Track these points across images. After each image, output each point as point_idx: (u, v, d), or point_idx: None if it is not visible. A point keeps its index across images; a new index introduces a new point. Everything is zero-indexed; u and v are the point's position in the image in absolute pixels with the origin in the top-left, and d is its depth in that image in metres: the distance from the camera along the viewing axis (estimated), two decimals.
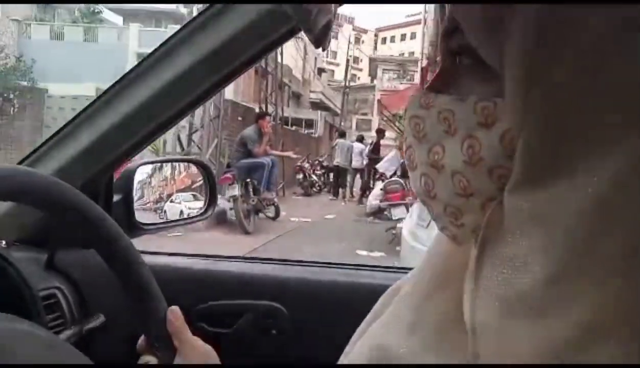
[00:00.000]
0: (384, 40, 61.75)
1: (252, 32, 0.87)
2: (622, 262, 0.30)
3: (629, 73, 0.30)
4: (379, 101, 16.07)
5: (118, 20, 26.63)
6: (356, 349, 0.50)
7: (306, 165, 14.22)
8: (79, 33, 22.33)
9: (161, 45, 0.95)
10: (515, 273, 0.33)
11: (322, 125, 21.71)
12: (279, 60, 14.02)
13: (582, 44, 0.31)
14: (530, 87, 0.33)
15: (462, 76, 0.42)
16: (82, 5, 24.77)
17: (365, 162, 13.60)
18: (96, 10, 24.70)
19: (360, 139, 15.06)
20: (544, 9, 0.32)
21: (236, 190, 7.63)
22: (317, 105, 28.70)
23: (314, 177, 14.70)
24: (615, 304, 0.30)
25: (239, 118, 11.15)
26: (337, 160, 14.28)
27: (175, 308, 0.73)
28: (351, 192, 14.34)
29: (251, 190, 8.08)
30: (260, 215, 8.58)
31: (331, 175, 15.20)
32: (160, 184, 1.33)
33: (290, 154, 12.03)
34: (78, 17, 24.32)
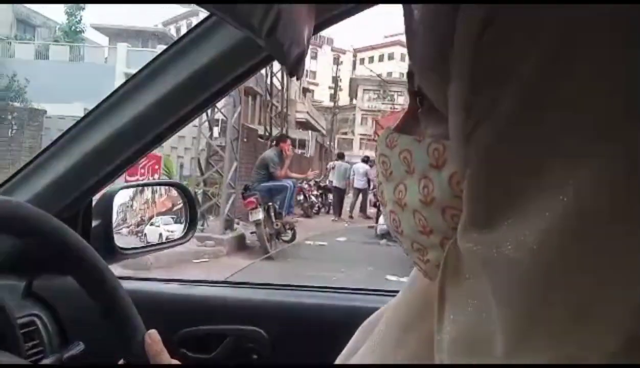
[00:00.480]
0: (362, 60, 62.24)
1: (229, 57, 0.88)
2: (577, 312, 0.28)
3: (575, 100, 0.29)
4: (376, 121, 16.14)
5: (103, 40, 26.46)
6: None
7: (305, 186, 13.97)
8: (64, 52, 22.06)
9: (140, 70, 0.95)
10: (474, 316, 0.33)
11: (314, 145, 21.68)
12: (282, 80, 13.74)
13: (522, 82, 0.30)
14: (470, 130, 0.33)
15: (422, 117, 0.43)
16: (64, 24, 24.56)
17: (371, 183, 13.57)
18: (78, 30, 24.46)
19: (366, 160, 14.96)
20: (478, 47, 0.32)
21: (260, 214, 7.47)
22: (304, 125, 28.57)
23: (313, 198, 14.47)
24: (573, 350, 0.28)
25: (244, 139, 11.00)
26: (334, 182, 14.22)
27: (153, 332, 0.73)
28: (351, 213, 14.30)
29: (273, 214, 7.94)
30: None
31: (329, 195, 15.03)
32: (141, 207, 1.33)
33: (308, 175, 11.84)
34: (60, 36, 24.08)
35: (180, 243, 1.21)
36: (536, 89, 0.30)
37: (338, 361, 0.55)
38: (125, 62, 20.81)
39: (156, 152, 11.34)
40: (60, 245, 0.74)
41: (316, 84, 54.82)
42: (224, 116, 9.00)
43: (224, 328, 1.06)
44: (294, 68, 0.55)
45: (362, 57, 62.86)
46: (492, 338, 0.31)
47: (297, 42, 0.53)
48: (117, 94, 0.96)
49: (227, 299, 1.14)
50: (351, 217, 14.10)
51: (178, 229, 1.26)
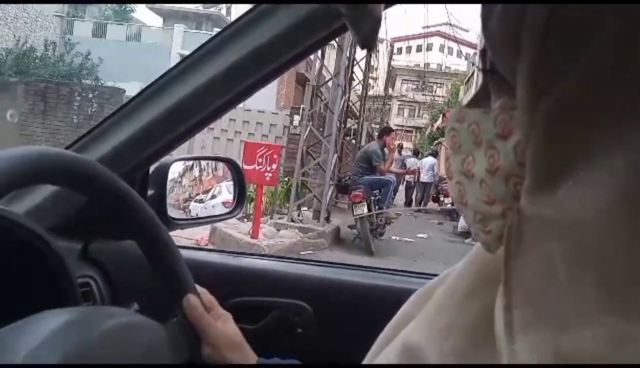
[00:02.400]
0: (399, 50, 61.37)
1: (298, 29, 0.87)
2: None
3: (629, 88, 0.31)
4: (443, 114, 16.05)
5: (156, 20, 26.56)
6: (387, 350, 0.49)
7: None
8: (121, 31, 22.24)
9: (206, 42, 0.95)
10: (542, 282, 0.34)
11: (365, 135, 21.57)
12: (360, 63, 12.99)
13: (586, 64, 0.32)
14: (536, 101, 0.34)
15: (492, 90, 0.45)
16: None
17: (436, 178, 13.49)
18: (128, 9, 24.56)
19: (434, 154, 14.83)
20: (547, 28, 0.33)
21: (365, 208, 7.34)
22: (351, 114, 27.76)
23: None
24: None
25: (320, 128, 10.83)
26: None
27: (191, 297, 0.78)
28: (419, 207, 14.15)
29: (376, 208, 7.81)
30: None
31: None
32: (190, 184, 1.35)
33: (409, 170, 11.56)
34: (110, 15, 24.25)
35: (228, 218, 1.23)
36: (600, 69, 0.31)
37: (389, 328, 0.54)
38: (182, 44, 20.81)
39: (239, 139, 11.28)
40: (126, 208, 0.76)
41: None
42: (329, 108, 8.68)
43: (271, 300, 1.07)
44: (369, 40, 0.55)
45: (400, 46, 61.85)
46: (560, 300, 0.32)
47: (375, 13, 0.53)
48: (179, 67, 0.96)
49: (273, 272, 1.14)
50: (419, 210, 13.76)
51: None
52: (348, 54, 8.97)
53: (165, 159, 1.11)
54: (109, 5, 25.10)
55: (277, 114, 12.70)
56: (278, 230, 7.45)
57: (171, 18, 24.89)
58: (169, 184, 1.28)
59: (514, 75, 0.37)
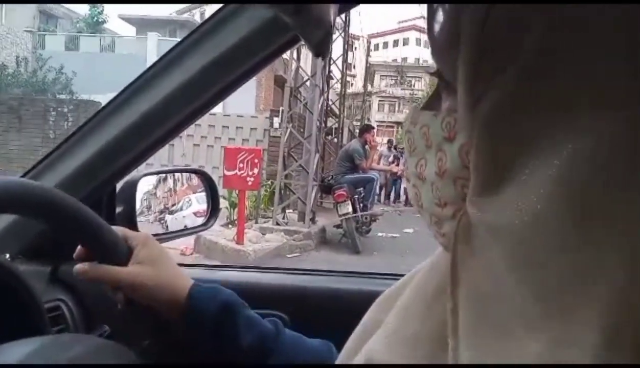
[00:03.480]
0: (376, 46, 61.45)
1: (253, 40, 0.86)
2: (586, 270, 0.29)
3: (572, 74, 0.31)
4: None
5: (131, 30, 26.28)
6: (352, 365, 0.48)
7: None
8: (95, 43, 21.94)
9: (161, 57, 0.93)
10: (488, 282, 0.34)
11: (347, 133, 21.52)
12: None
13: (524, 51, 0.32)
14: (475, 103, 0.35)
15: (442, 94, 0.44)
16: (86, 15, 24.42)
17: None
18: (100, 20, 24.34)
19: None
20: (481, 23, 0.34)
21: (349, 207, 7.30)
22: (332, 113, 27.48)
23: None
24: (594, 306, 0.28)
25: (301, 129, 10.74)
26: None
27: (75, 268, 0.77)
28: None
29: (360, 206, 7.79)
30: None
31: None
32: (164, 195, 1.33)
33: (392, 168, 11.48)
34: (83, 28, 23.98)
35: (202, 230, 1.21)
36: (535, 61, 0.31)
37: (353, 339, 0.53)
38: (156, 52, 20.50)
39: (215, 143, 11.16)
40: (86, 232, 0.74)
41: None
42: (308, 109, 8.63)
43: None
44: (320, 48, 0.54)
45: (377, 42, 61.85)
46: (503, 304, 0.32)
47: (323, 21, 0.52)
48: (140, 80, 0.94)
49: (247, 283, 1.12)
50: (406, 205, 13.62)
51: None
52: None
53: (133, 174, 1.09)
54: (81, 17, 24.80)
55: (256, 117, 12.66)
56: (263, 234, 7.39)
57: (144, 27, 24.63)
58: (143, 198, 1.26)
59: (454, 74, 0.37)
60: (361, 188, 8.04)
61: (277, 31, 0.84)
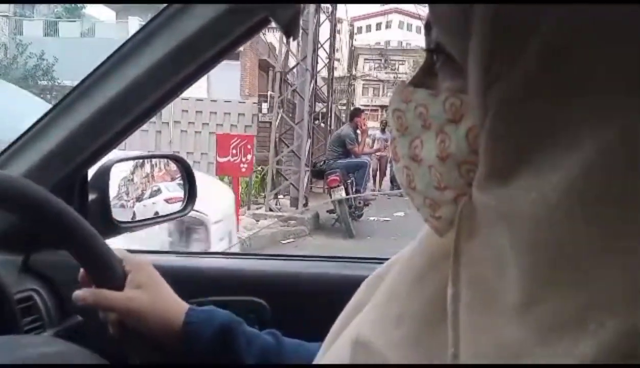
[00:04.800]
0: (359, 29, 61.12)
1: (222, 23, 0.83)
2: (594, 258, 0.28)
3: (591, 64, 0.29)
4: None
5: (110, 14, 25.79)
6: (338, 344, 0.47)
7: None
8: (74, 28, 21.38)
9: (129, 39, 0.90)
10: (490, 270, 0.33)
11: (334, 117, 21.36)
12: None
13: (542, 39, 0.30)
14: (490, 84, 0.33)
15: (438, 72, 0.42)
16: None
17: None
18: (79, 5, 23.86)
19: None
20: (501, 5, 0.32)
21: (343, 192, 7.24)
22: (319, 98, 26.93)
23: None
24: (593, 297, 0.28)
25: (290, 114, 10.64)
26: None
27: (75, 294, 0.75)
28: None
29: (353, 191, 7.72)
30: None
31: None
32: (142, 181, 1.31)
33: (381, 149, 11.24)
34: (61, 12, 23.53)
35: (180, 216, 1.19)
36: (555, 45, 0.30)
37: (339, 321, 0.53)
38: None
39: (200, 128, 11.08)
40: (54, 220, 0.72)
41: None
42: (299, 94, 8.54)
43: (225, 299, 1.04)
44: (290, 28, 0.53)
45: (360, 25, 61.59)
46: (508, 289, 0.31)
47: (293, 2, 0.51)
48: (107, 63, 0.91)
49: (225, 270, 1.11)
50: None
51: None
52: (313, 37, 8.87)
53: (106, 160, 1.06)
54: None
55: (244, 102, 12.49)
56: (257, 220, 7.35)
57: (124, 10, 24.24)
58: (120, 184, 1.23)
59: (464, 56, 0.35)
60: (353, 173, 8.03)
61: (247, 12, 0.81)
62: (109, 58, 0.92)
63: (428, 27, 0.43)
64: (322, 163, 8.62)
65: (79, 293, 0.74)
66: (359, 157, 8.11)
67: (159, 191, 1.22)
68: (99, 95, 0.92)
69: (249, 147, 6.90)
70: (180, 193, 1.23)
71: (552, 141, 0.30)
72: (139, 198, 1.20)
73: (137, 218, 1.16)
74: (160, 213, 1.16)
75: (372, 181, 8.54)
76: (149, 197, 1.19)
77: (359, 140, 8.25)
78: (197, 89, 12.73)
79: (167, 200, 1.21)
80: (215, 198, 2.45)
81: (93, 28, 21.87)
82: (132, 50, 0.90)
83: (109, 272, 0.75)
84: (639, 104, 0.28)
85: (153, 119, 10.70)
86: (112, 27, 22.52)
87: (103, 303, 0.74)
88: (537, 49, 0.30)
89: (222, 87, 14.00)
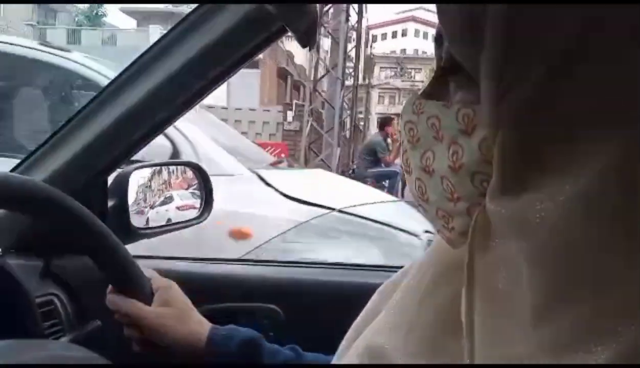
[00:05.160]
0: (374, 37, 61.04)
1: (240, 32, 0.84)
2: (608, 268, 0.28)
3: (600, 75, 0.29)
4: None
5: (131, 23, 26.00)
6: (352, 351, 0.48)
7: None
8: (96, 36, 21.67)
9: (148, 49, 0.92)
10: (505, 280, 0.33)
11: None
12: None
13: (550, 49, 0.30)
14: (502, 95, 0.33)
15: (450, 82, 0.42)
16: (86, 8, 24.16)
17: None
18: (100, 13, 24.05)
19: None
20: (511, 17, 0.32)
21: None
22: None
23: None
24: (609, 307, 0.28)
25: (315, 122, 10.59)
26: None
27: (109, 298, 0.78)
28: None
29: None
30: None
31: None
32: (159, 188, 1.32)
33: None
34: (82, 21, 23.75)
35: (196, 223, 1.20)
36: (568, 57, 0.30)
37: (353, 329, 0.53)
38: None
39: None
40: (75, 225, 0.73)
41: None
42: (328, 103, 8.53)
43: (239, 306, 1.05)
44: (306, 37, 0.53)
45: (375, 34, 61.40)
46: (523, 302, 0.31)
47: (308, 10, 0.51)
48: (127, 72, 0.93)
49: (240, 276, 1.11)
50: None
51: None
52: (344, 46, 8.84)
53: (126, 166, 1.07)
54: (80, 10, 24.56)
55: (269, 110, 12.42)
56: None
57: (145, 19, 24.44)
58: (138, 191, 1.24)
59: (476, 66, 0.35)
60: (385, 182, 7.98)
61: (263, 22, 0.82)
62: (128, 68, 0.93)
63: (439, 38, 0.43)
64: (351, 171, 8.56)
65: (111, 297, 0.76)
66: (389, 166, 8.06)
67: (171, 198, 1.23)
68: (119, 104, 0.93)
69: (282, 155, 6.97)
70: (191, 200, 1.24)
71: (566, 150, 0.30)
72: (152, 206, 1.21)
73: (151, 225, 1.17)
74: (173, 220, 1.18)
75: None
76: (161, 205, 1.20)
77: (390, 148, 8.21)
78: (216, 98, 12.73)
79: (178, 208, 1.22)
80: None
81: (114, 36, 22.07)
82: (151, 59, 0.91)
83: (139, 288, 0.77)
84: None
85: None
86: (133, 36, 22.76)
87: (134, 312, 0.75)
88: (550, 59, 0.30)
89: (242, 95, 13.99)
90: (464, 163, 0.38)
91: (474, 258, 0.36)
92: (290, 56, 11.22)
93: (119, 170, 1.05)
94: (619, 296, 0.28)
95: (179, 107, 0.93)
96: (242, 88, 13.35)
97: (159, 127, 0.96)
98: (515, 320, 0.31)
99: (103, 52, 20.18)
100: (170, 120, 0.96)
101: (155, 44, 0.91)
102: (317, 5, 0.52)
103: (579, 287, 0.29)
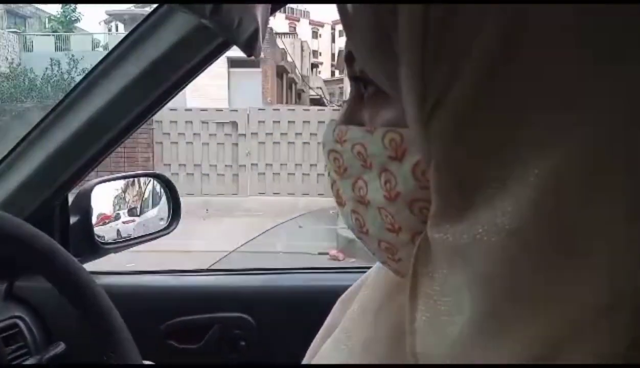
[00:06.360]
0: (340, 32, 60.80)
1: (190, 43, 0.82)
2: (548, 290, 0.26)
3: (541, 69, 0.26)
4: None
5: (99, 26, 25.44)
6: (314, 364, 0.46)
7: None
8: (86, 42, 21.05)
9: (101, 60, 0.89)
10: (447, 311, 0.30)
11: None
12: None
13: (474, 54, 0.27)
14: (429, 114, 0.29)
15: (368, 104, 0.38)
16: (59, 13, 23.56)
17: None
18: (73, 18, 23.53)
19: None
20: (428, 22, 0.28)
21: None
22: (317, 102, 25.10)
23: None
24: (547, 332, 0.26)
25: None
26: None
27: None
28: None
29: None
30: None
31: None
32: (133, 199, 1.29)
33: None
34: (56, 27, 23.17)
35: (164, 235, 1.17)
36: (494, 63, 0.26)
37: (316, 340, 0.51)
38: None
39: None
40: (29, 250, 0.71)
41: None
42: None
43: (210, 316, 1.02)
44: (248, 46, 0.51)
45: (341, 28, 61.35)
46: (464, 330, 0.29)
47: (249, 19, 0.49)
48: (81, 86, 0.90)
49: (210, 287, 1.09)
50: None
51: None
52: None
53: (87, 182, 1.04)
54: (50, 15, 24.00)
55: (308, 110, 11.49)
56: None
57: (134, 23, 24.04)
58: (114, 202, 1.21)
59: (394, 83, 0.31)
60: None
61: (205, 39, 0.80)
62: (80, 81, 0.90)
63: (349, 57, 0.38)
64: None
65: None
66: None
67: (118, 216, 1.21)
68: (73, 119, 0.90)
69: None
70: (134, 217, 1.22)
71: (503, 167, 0.27)
72: (116, 218, 1.19)
73: (115, 238, 1.13)
74: (123, 234, 1.14)
75: None
76: (114, 220, 1.17)
77: None
78: (217, 101, 12.40)
79: (125, 222, 1.19)
80: None
81: (106, 41, 21.69)
82: (104, 70, 0.89)
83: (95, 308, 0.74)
84: (594, 119, 0.25)
85: (228, 131, 10.35)
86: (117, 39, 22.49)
87: None
88: (474, 68, 0.27)
89: (244, 93, 13.74)
90: (400, 192, 0.34)
91: (417, 287, 0.33)
92: (284, 53, 10.80)
93: (79, 186, 1.02)
94: (557, 318, 0.26)
95: (133, 121, 0.91)
96: (245, 86, 13.10)
97: (115, 141, 0.94)
98: (455, 355, 0.29)
99: (94, 56, 19.84)
100: (124, 134, 0.93)
101: (104, 59, 0.88)
102: (261, 13, 0.49)
103: (518, 312, 0.27)
